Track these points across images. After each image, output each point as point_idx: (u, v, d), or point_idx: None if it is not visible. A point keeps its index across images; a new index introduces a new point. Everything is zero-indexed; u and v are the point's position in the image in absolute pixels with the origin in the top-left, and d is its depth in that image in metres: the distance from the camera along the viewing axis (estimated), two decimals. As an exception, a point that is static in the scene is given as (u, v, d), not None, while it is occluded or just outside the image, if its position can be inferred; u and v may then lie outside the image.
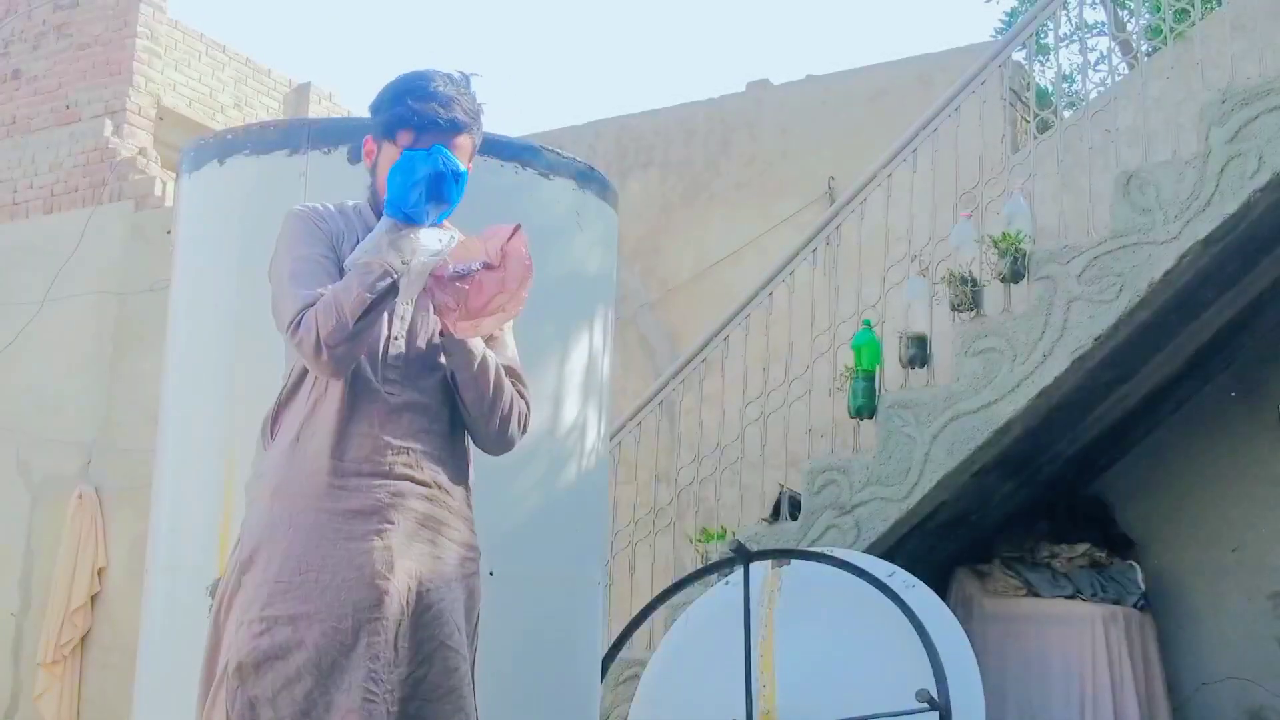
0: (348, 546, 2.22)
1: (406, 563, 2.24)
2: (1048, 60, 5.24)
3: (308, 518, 2.24)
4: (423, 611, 2.25)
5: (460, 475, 2.39)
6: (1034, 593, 5.27)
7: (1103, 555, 5.47)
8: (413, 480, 2.28)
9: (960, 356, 4.85)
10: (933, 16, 32.33)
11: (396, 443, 2.28)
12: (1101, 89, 6.27)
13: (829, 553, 4.56)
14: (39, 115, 10.22)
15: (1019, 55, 5.71)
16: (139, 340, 8.44)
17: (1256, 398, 5.57)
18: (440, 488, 2.33)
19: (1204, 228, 4.45)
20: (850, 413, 5.28)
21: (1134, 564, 5.53)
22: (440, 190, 2.20)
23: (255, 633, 2.19)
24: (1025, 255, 4.88)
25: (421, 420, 2.31)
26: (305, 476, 2.27)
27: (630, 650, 4.98)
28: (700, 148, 7.30)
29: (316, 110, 12.29)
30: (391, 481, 2.26)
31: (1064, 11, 5.30)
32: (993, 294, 5.06)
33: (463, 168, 2.24)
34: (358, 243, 2.28)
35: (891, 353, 5.30)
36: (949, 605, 4.53)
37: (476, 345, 2.33)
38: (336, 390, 2.28)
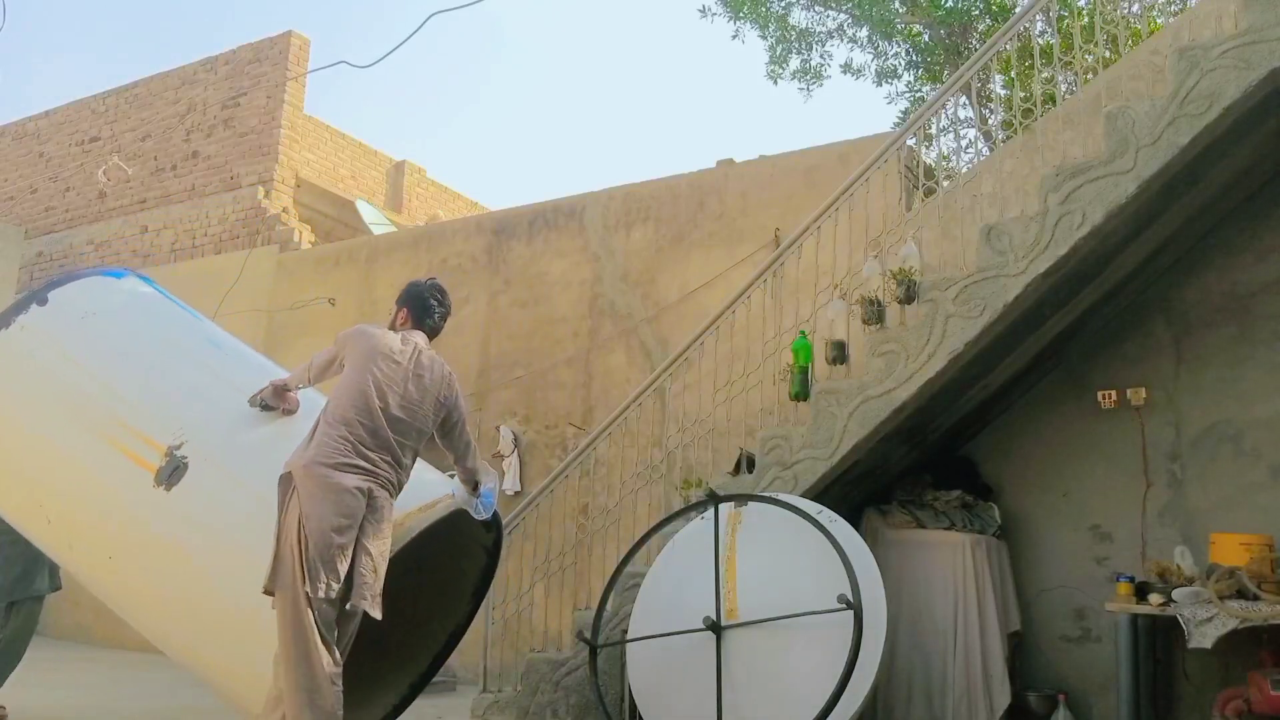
0: None
1: None
2: (932, 145, 5.24)
3: None
4: None
5: None
6: (921, 525, 5.28)
7: (971, 499, 5.48)
8: None
9: (869, 357, 4.86)
10: (850, 112, 32.70)
11: None
12: (970, 166, 6.28)
13: (776, 496, 4.58)
14: (211, 184, 10.23)
15: (911, 141, 5.72)
16: (281, 345, 8.45)
17: (1080, 388, 5.57)
18: None
19: (1043, 265, 4.45)
20: (790, 397, 5.29)
21: (993, 505, 5.54)
22: None
23: None
24: (915, 284, 4.89)
25: None
26: None
27: (633, 566, 4.98)
28: (683, 207, 7.30)
29: (410, 180, 12.26)
30: None
31: (943, 110, 5.31)
32: (892, 312, 5.06)
33: None
34: None
35: (820, 354, 5.30)
36: (861, 534, 4.53)
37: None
38: None
